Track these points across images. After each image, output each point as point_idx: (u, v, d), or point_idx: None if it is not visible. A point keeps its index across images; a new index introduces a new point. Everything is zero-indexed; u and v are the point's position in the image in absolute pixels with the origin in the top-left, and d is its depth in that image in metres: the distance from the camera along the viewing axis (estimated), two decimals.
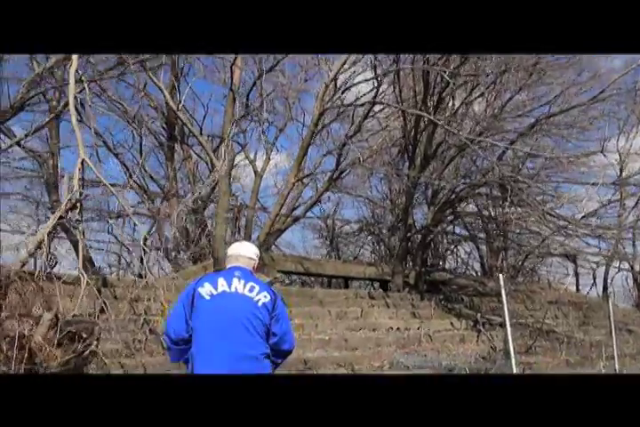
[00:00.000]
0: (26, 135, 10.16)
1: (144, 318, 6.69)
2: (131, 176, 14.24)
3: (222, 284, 3.11)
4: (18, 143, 10.31)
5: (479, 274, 17.20)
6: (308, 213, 17.22)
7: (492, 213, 12.82)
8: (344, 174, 15.82)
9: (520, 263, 17.13)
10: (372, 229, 17.37)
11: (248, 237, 13.80)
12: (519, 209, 10.42)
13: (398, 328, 9.12)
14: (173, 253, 14.37)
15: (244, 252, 3.31)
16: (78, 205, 6.07)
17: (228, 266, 3.24)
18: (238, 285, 3.10)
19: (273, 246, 16.05)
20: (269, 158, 15.16)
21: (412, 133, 12.44)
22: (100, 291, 7.06)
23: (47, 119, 10.56)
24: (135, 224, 13.80)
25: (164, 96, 11.19)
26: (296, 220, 15.71)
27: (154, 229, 14.22)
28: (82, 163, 6.36)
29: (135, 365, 5.62)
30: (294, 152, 16.38)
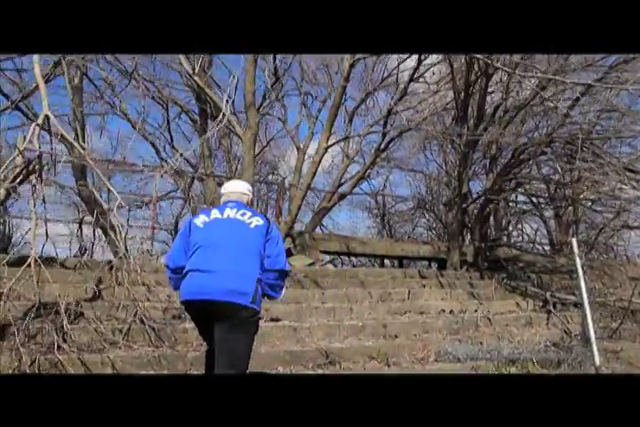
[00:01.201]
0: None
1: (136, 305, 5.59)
2: (160, 156, 13.40)
3: (215, 213, 3.37)
4: None
5: (546, 250, 15.50)
6: (358, 191, 16.04)
7: (561, 178, 11.09)
8: (392, 145, 14.51)
9: (594, 238, 15.33)
10: (428, 205, 15.95)
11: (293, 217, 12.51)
12: (592, 165, 8.66)
13: (452, 311, 7.73)
14: None
15: (235, 188, 3.63)
16: (37, 167, 4.99)
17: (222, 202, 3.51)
18: (231, 212, 3.35)
19: (319, 227, 14.99)
20: (312, 133, 14.02)
21: (464, 92, 10.86)
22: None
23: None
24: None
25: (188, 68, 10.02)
26: (342, 197, 14.49)
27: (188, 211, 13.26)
28: (45, 119, 5.30)
29: (99, 361, 4.50)
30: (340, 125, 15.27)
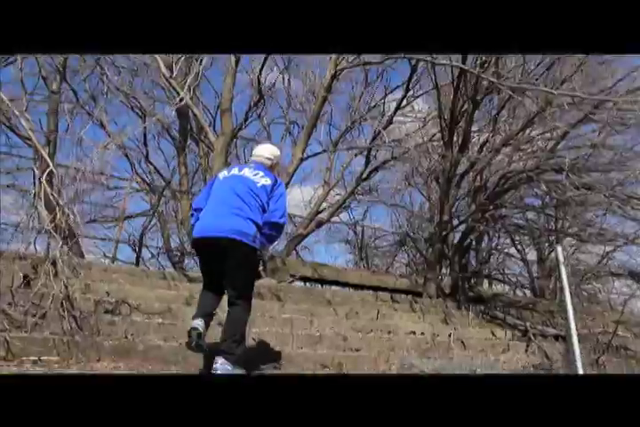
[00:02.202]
0: None
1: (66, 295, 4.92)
2: (134, 170, 12.87)
3: (235, 170, 4.11)
4: None
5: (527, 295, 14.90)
6: (337, 220, 15.53)
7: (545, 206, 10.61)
8: (374, 175, 14.11)
9: (576, 285, 14.79)
10: (409, 240, 15.40)
11: None
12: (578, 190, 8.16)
13: (422, 333, 7.04)
14: (177, 256, 12.77)
15: (261, 152, 4.33)
16: None
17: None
18: (247, 171, 4.04)
19: (295, 255, 14.35)
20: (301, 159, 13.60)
21: (450, 118, 10.50)
22: None
23: None
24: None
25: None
26: (320, 224, 13.93)
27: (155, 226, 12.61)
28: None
29: None
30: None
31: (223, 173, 4.13)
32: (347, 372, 4.65)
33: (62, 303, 4.88)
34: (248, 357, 4.49)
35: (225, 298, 4.05)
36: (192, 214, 4.06)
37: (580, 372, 4.71)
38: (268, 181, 3.97)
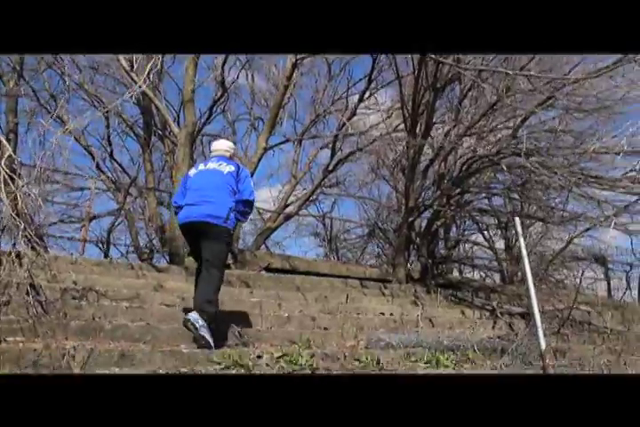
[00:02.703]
0: None
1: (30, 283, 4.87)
2: (99, 168, 12.73)
3: (201, 166, 4.89)
4: None
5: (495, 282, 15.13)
6: (305, 213, 15.60)
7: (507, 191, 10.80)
8: (340, 167, 14.21)
9: (543, 271, 15.06)
10: (378, 232, 15.51)
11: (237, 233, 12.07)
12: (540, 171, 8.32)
13: (392, 314, 7.14)
14: (146, 253, 12.67)
15: (219, 147, 5.11)
16: None
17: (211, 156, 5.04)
18: (212, 164, 4.84)
19: (264, 248, 14.36)
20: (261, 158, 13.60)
21: (412, 104, 10.62)
22: None
23: None
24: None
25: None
26: (288, 218, 13.98)
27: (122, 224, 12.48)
28: None
29: None
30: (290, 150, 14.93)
31: (192, 171, 4.90)
32: (315, 348, 4.69)
33: (27, 291, 4.85)
34: (218, 332, 4.53)
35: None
36: (176, 212, 4.89)
37: (542, 342, 4.85)
38: (232, 168, 4.75)
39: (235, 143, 6.28)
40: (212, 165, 4.81)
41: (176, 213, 4.86)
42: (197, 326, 4.23)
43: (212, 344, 4.28)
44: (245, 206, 4.70)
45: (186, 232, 4.73)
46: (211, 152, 5.14)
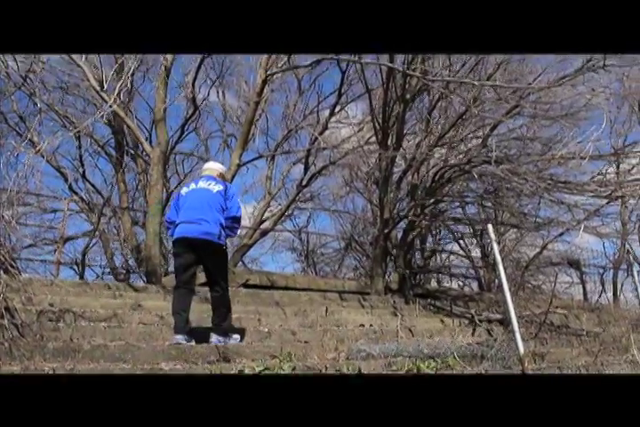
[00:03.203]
0: None
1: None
2: (71, 189, 12.61)
3: (193, 185, 5.20)
4: None
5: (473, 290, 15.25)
6: (281, 228, 15.61)
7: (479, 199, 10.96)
8: (314, 181, 14.27)
9: (520, 277, 15.22)
10: (354, 245, 15.56)
11: None
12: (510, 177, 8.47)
13: (371, 325, 7.17)
14: (123, 273, 12.54)
15: (209, 166, 5.58)
16: None
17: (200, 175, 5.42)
18: (202, 183, 5.16)
19: (241, 265, 14.32)
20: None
21: (382, 116, 10.76)
22: None
23: None
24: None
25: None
26: (264, 233, 13.98)
27: (95, 244, 12.34)
28: None
29: None
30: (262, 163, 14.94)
31: (184, 190, 5.22)
32: (296, 361, 4.69)
33: (2, 314, 4.79)
34: (194, 350, 4.52)
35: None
36: (168, 227, 5.30)
37: (520, 346, 4.92)
38: (220, 187, 5.11)
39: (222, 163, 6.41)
40: (202, 184, 5.14)
41: (168, 229, 5.30)
42: (226, 343, 4.91)
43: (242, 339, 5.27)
44: (233, 222, 5.10)
45: (181, 246, 4.95)
46: (201, 172, 5.61)
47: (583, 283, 16.53)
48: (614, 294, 16.07)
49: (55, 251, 11.79)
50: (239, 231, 5.71)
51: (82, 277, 11.71)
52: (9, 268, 5.41)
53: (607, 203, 9.91)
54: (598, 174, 8.83)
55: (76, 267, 11.88)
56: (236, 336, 5.27)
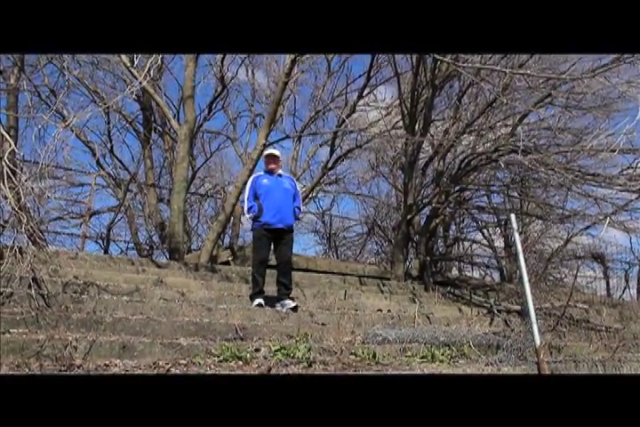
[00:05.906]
0: None
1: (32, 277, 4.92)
2: (99, 164, 12.77)
3: (272, 179, 6.41)
4: None
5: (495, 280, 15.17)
6: (304, 210, 15.62)
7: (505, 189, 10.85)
8: (339, 164, 14.23)
9: (542, 269, 15.08)
10: (377, 229, 15.56)
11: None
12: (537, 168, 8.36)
13: (389, 310, 7.20)
14: (146, 249, 12.72)
15: (275, 160, 6.59)
16: None
17: (268, 166, 6.55)
18: (278, 178, 6.46)
19: None
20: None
21: (411, 101, 10.66)
22: None
23: None
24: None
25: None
26: None
27: (121, 220, 12.53)
28: None
29: None
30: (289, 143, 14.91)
31: (264, 181, 6.37)
32: (312, 342, 4.74)
33: (30, 284, 4.91)
34: (212, 327, 4.59)
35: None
36: (250, 207, 6.24)
37: (537, 338, 4.90)
38: (290, 185, 6.49)
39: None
40: (278, 179, 6.43)
41: (250, 208, 6.21)
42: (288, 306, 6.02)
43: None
44: (298, 210, 6.54)
45: (266, 231, 6.11)
46: (265, 157, 6.65)
47: (607, 278, 16.35)
48: (638, 290, 15.87)
49: (81, 225, 11.99)
50: (300, 215, 7.13)
51: (106, 251, 11.92)
52: (37, 240, 5.53)
53: (637, 198, 9.78)
54: (628, 168, 8.67)
55: (100, 241, 12.08)
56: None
